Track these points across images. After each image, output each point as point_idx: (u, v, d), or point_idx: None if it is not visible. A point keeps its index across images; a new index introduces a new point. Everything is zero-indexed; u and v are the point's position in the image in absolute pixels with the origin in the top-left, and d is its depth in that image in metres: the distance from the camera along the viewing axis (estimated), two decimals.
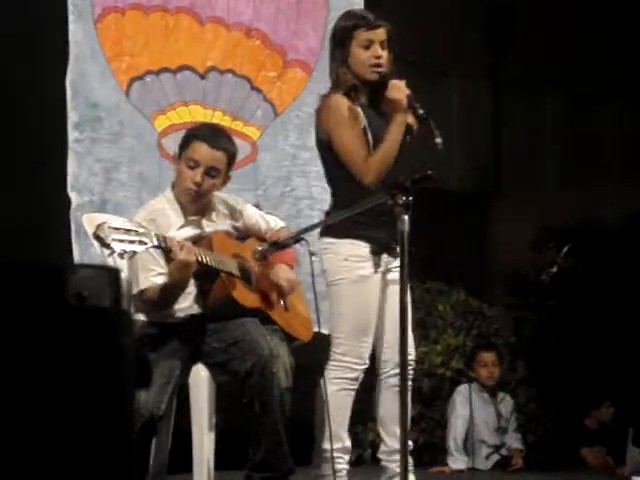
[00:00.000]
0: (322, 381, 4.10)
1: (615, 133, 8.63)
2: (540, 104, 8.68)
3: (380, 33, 4.15)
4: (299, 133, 6.20)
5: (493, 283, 7.87)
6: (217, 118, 5.95)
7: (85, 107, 5.70)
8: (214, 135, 4.02)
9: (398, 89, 4.06)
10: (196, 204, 3.95)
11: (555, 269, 6.58)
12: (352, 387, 4.13)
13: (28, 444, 1.75)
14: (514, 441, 6.45)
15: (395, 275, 4.10)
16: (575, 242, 6.77)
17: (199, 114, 5.93)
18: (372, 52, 4.12)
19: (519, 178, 8.49)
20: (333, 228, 4.09)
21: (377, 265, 4.10)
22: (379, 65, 4.12)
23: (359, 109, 4.14)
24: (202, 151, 3.91)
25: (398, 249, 4.03)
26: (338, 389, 4.09)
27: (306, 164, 6.19)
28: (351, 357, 4.10)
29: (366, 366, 4.14)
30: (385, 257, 4.14)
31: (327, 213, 4.26)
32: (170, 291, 3.78)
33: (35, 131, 5.44)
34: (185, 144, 3.97)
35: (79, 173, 5.64)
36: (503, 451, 6.41)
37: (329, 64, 4.26)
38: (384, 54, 4.15)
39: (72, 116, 5.65)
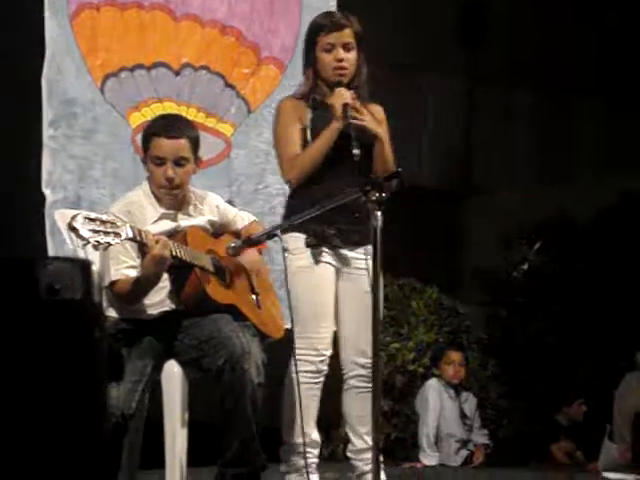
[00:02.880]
0: (287, 376, 4.14)
1: (588, 129, 8.68)
2: (513, 100, 8.71)
3: (343, 35, 4.19)
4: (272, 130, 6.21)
5: (465, 280, 7.91)
6: (191, 115, 5.95)
7: (60, 104, 5.69)
8: (170, 126, 3.96)
9: (339, 97, 4.13)
10: (174, 198, 3.95)
11: (526, 266, 6.62)
12: (313, 380, 4.14)
13: None
14: (480, 437, 6.51)
15: (353, 270, 4.14)
16: (546, 239, 6.81)
17: (173, 110, 5.92)
18: (334, 55, 4.17)
19: (491, 175, 8.52)
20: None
21: (316, 257, 4.13)
22: (342, 68, 4.17)
23: (309, 110, 4.21)
24: (164, 146, 3.88)
25: (339, 241, 4.11)
26: (299, 382, 4.11)
27: None
28: (305, 350, 4.13)
29: (323, 358, 4.14)
30: (342, 251, 4.16)
31: (286, 208, 4.31)
32: (142, 285, 3.76)
33: (10, 128, 5.44)
34: (146, 143, 3.93)
35: (53, 170, 5.64)
36: (471, 446, 6.46)
37: (302, 65, 4.32)
38: (348, 56, 4.19)
39: (47, 113, 5.65)
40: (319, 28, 4.22)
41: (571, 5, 8.38)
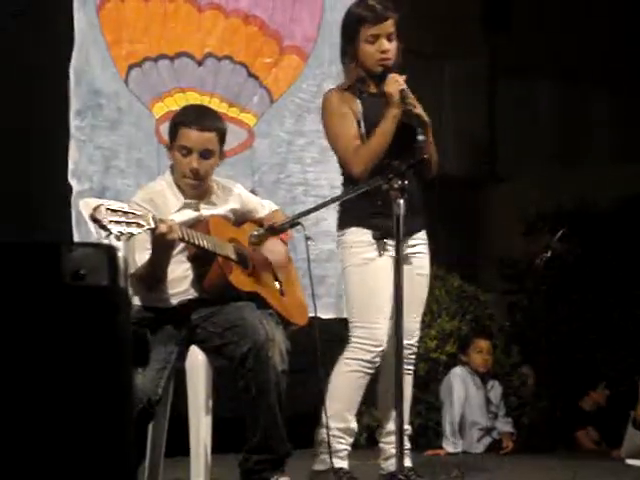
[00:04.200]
0: (337, 363, 4.15)
1: (610, 116, 8.65)
2: (535, 87, 8.69)
3: (386, 26, 4.14)
4: (295, 119, 6.23)
5: (488, 268, 7.89)
6: (214, 105, 5.97)
7: (87, 94, 5.72)
8: (200, 117, 3.97)
9: (394, 83, 4.08)
10: (197, 188, 3.96)
11: (549, 254, 6.60)
12: (365, 370, 4.15)
13: (24, 425, 1.75)
14: (504, 425, 6.50)
15: (407, 256, 4.14)
16: (569, 226, 6.79)
17: (196, 101, 5.94)
18: (378, 47, 4.13)
19: (514, 162, 8.50)
20: (342, 221, 4.21)
21: (381, 249, 4.14)
22: (386, 59, 4.14)
23: (358, 101, 4.18)
24: (192, 137, 3.89)
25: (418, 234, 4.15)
26: (349, 370, 4.13)
27: (301, 150, 6.22)
28: (364, 339, 4.14)
29: (382, 348, 4.14)
30: (391, 242, 4.17)
31: (340, 206, 4.30)
32: (154, 267, 3.76)
33: (38, 119, 5.47)
34: (174, 132, 3.94)
35: (79, 160, 5.67)
36: (494, 434, 6.45)
37: (340, 59, 4.28)
38: (391, 46, 4.15)
39: (74, 103, 5.67)
40: (362, 19, 4.14)
41: None
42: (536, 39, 8.25)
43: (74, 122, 5.66)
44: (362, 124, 4.15)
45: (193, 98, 6.00)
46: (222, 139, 3.98)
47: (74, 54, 5.68)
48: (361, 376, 4.16)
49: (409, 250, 4.18)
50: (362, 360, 4.15)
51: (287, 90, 6.29)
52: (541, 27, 8.28)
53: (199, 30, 6.14)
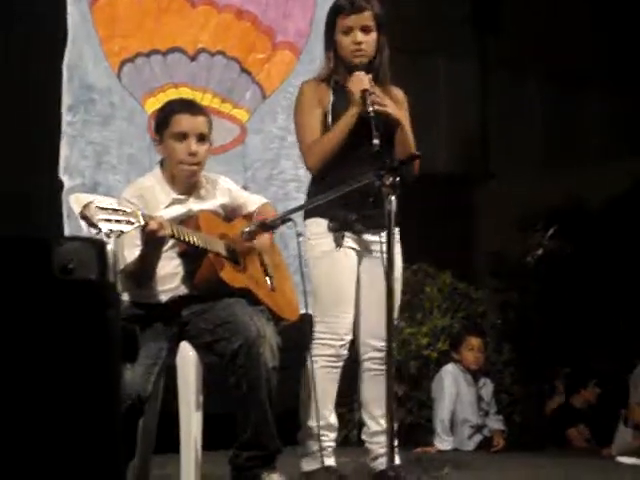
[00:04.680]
0: (307, 360, 4.15)
1: (602, 113, 8.66)
2: (526, 84, 8.70)
3: (362, 18, 4.17)
4: (287, 115, 6.21)
5: (480, 266, 7.90)
6: (206, 100, 5.97)
7: (79, 89, 5.71)
8: (189, 104, 4.07)
9: (357, 82, 4.11)
10: (192, 176, 3.97)
11: (540, 251, 6.62)
12: (332, 364, 4.17)
13: (11, 419, 1.75)
14: (495, 422, 6.51)
15: (375, 253, 4.13)
16: (561, 224, 6.80)
17: (188, 96, 5.92)
18: (352, 38, 4.16)
19: (506, 160, 8.51)
20: (305, 211, 4.19)
21: (338, 241, 4.14)
22: (359, 50, 4.16)
23: (331, 92, 4.20)
24: (186, 122, 3.93)
25: (361, 226, 4.11)
26: (318, 367, 4.13)
27: (294, 147, 6.15)
28: (326, 334, 4.15)
29: (344, 342, 4.16)
30: (366, 236, 4.17)
31: (308, 194, 4.30)
32: (143, 263, 3.76)
33: (32, 114, 5.47)
34: (165, 121, 3.96)
35: (71, 156, 5.66)
36: (485, 432, 6.46)
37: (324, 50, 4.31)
38: (367, 38, 4.17)
39: (66, 99, 5.67)
40: (338, 10, 4.21)
41: None
42: (527, 35, 8.26)
43: (66, 117, 5.65)
44: (330, 116, 4.16)
45: (185, 93, 5.99)
46: (211, 126, 4.01)
47: (67, 49, 5.67)
48: (329, 371, 4.17)
49: (376, 246, 4.14)
50: (327, 355, 4.16)
51: (279, 86, 6.29)
52: (533, 23, 8.29)
53: (192, 25, 6.13)
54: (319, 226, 4.16)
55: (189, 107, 4.00)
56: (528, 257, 6.66)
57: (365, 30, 4.17)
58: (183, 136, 3.93)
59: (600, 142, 8.53)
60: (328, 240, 4.15)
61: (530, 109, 8.77)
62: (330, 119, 4.17)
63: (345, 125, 4.10)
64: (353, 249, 4.19)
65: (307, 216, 4.20)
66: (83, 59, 5.75)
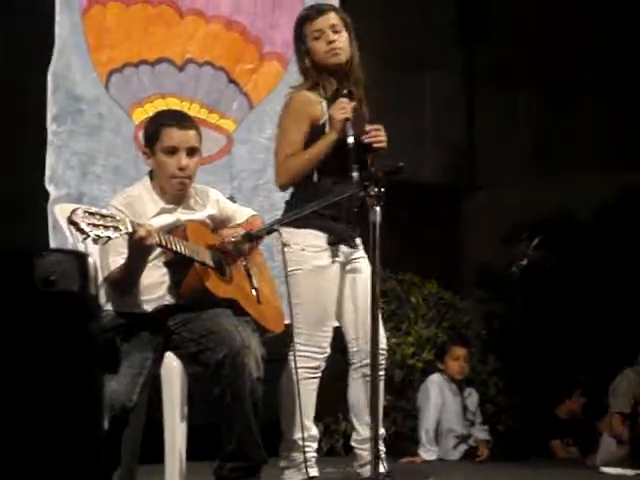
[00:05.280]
0: (285, 372, 4.16)
1: (589, 124, 8.69)
2: (513, 97, 8.72)
3: (328, 18, 4.23)
4: (274, 126, 6.21)
5: (465, 276, 7.92)
6: (194, 111, 5.97)
7: (66, 100, 5.70)
8: (179, 117, 4.06)
9: (339, 109, 4.12)
10: (183, 189, 3.97)
11: (525, 262, 6.64)
12: (313, 376, 4.19)
13: None
14: (480, 432, 6.52)
15: (358, 265, 4.19)
16: (547, 234, 6.82)
17: (176, 106, 5.93)
18: (325, 39, 4.20)
19: (492, 171, 8.53)
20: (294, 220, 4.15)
21: (334, 255, 4.16)
22: (334, 48, 4.20)
23: (324, 102, 4.20)
24: (176, 135, 3.92)
25: (357, 241, 4.16)
26: (300, 379, 4.13)
27: None
28: (311, 347, 4.17)
29: (326, 354, 4.20)
30: (344, 248, 4.20)
31: (287, 202, 4.31)
32: (129, 271, 3.75)
33: (16, 124, 5.46)
34: (156, 135, 3.95)
35: (56, 166, 5.65)
36: (471, 442, 6.47)
37: (297, 63, 4.34)
38: (338, 37, 4.21)
39: (52, 108, 5.66)
40: (305, 18, 4.27)
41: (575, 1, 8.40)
42: (514, 46, 8.29)
43: (51, 127, 5.65)
44: (327, 125, 4.16)
45: (173, 104, 5.99)
46: (201, 139, 4.01)
47: (53, 59, 5.66)
48: (310, 382, 4.19)
49: (354, 256, 4.21)
50: (310, 368, 4.18)
51: (267, 96, 6.29)
52: (519, 34, 8.32)
53: (180, 36, 6.14)
54: (318, 239, 4.16)
55: (180, 120, 3.99)
56: (513, 267, 6.68)
57: (334, 30, 4.22)
58: (174, 150, 3.92)
59: (588, 153, 8.56)
60: (326, 254, 4.16)
61: (517, 119, 8.79)
62: (327, 129, 4.16)
63: (320, 150, 4.12)
64: (339, 262, 4.21)
65: (298, 226, 4.17)
66: (71, 69, 5.74)
